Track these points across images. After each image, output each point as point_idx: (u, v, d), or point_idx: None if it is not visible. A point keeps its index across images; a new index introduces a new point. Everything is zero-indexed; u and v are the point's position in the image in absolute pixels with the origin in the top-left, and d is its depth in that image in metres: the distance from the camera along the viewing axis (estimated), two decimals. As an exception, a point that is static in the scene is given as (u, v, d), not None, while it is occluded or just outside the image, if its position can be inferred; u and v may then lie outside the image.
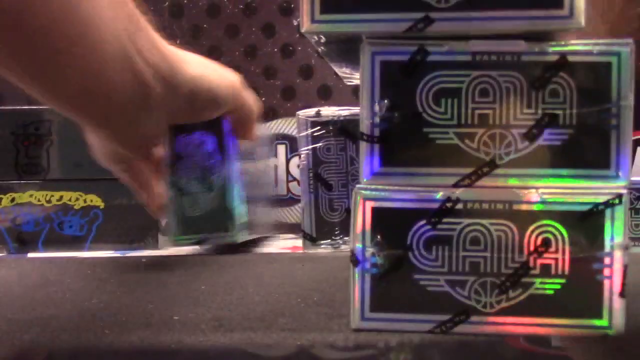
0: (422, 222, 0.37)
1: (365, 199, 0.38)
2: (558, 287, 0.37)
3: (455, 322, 0.37)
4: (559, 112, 0.37)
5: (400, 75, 0.37)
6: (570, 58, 0.37)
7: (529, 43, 0.37)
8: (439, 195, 0.37)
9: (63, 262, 0.73)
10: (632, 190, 0.68)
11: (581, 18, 0.35)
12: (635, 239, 0.74)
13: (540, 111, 0.37)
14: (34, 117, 0.85)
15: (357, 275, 0.38)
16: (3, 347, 0.37)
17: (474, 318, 0.37)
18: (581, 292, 0.37)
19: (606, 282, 0.36)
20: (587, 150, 0.37)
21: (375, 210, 0.38)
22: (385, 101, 0.38)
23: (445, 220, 0.37)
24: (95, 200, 0.85)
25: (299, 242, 0.78)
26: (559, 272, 0.37)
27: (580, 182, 0.37)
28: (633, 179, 0.37)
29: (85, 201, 0.85)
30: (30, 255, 0.82)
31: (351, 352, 0.37)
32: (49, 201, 0.85)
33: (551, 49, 0.37)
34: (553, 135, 0.37)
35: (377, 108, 0.38)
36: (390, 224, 0.37)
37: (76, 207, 0.85)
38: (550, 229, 0.37)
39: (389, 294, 0.38)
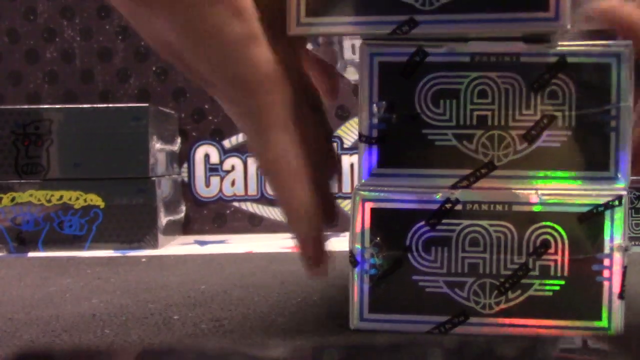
0: (421, 223, 0.37)
1: (365, 199, 0.38)
2: (557, 288, 0.37)
3: (454, 324, 0.37)
4: (558, 113, 0.37)
5: (398, 76, 0.37)
6: (570, 59, 0.36)
7: (528, 44, 0.37)
8: (438, 196, 0.37)
9: (63, 262, 0.73)
10: (631, 189, 0.68)
11: (567, 20, 0.35)
12: (635, 238, 0.74)
13: (539, 112, 0.37)
14: (34, 117, 0.85)
15: (356, 276, 0.38)
16: (3, 347, 0.37)
17: (472, 319, 0.37)
18: (580, 293, 0.37)
19: (605, 284, 0.36)
20: (586, 152, 0.37)
21: (374, 211, 0.38)
22: (384, 102, 0.37)
23: (444, 221, 0.37)
24: (95, 200, 0.86)
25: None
26: (558, 273, 0.37)
27: (580, 184, 0.37)
28: (633, 178, 0.37)
29: (85, 201, 0.85)
30: (30, 255, 0.82)
31: (351, 352, 0.37)
32: (49, 201, 0.85)
33: (550, 50, 0.37)
34: (552, 136, 0.37)
35: (375, 109, 0.38)
36: (389, 225, 0.37)
37: (76, 206, 0.85)
38: (549, 230, 0.37)
39: (387, 294, 0.38)
